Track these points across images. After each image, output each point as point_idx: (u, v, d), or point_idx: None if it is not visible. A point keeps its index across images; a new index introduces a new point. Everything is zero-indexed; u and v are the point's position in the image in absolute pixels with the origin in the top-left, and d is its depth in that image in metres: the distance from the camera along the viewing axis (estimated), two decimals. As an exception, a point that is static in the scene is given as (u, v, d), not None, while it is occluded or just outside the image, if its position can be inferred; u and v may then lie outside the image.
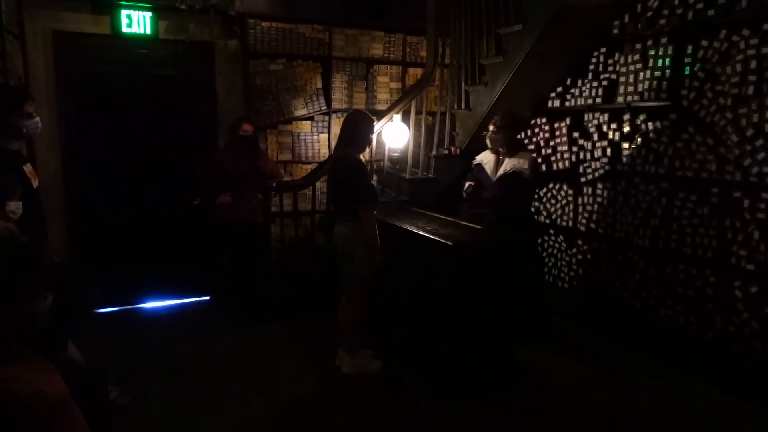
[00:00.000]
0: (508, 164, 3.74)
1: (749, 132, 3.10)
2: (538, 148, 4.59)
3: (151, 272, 4.73)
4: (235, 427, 2.91)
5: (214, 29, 4.61)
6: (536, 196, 4.66)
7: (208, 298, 4.91)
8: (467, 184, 3.95)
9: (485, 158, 3.93)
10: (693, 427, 2.96)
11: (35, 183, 3.20)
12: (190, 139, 4.75)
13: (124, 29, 4.32)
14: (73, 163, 4.41)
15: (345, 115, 5.08)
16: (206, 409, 3.07)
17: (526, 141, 4.70)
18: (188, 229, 4.74)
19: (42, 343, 1.57)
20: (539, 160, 4.57)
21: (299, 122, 5.08)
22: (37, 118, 3.33)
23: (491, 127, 3.79)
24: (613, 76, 3.94)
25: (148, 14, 4.36)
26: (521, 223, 3.66)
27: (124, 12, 4.29)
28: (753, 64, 3.06)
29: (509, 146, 3.76)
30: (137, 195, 4.65)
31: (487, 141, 3.87)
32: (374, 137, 3.64)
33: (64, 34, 4.24)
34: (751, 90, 3.08)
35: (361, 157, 3.52)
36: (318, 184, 4.68)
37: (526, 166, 3.67)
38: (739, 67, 3.13)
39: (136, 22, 4.33)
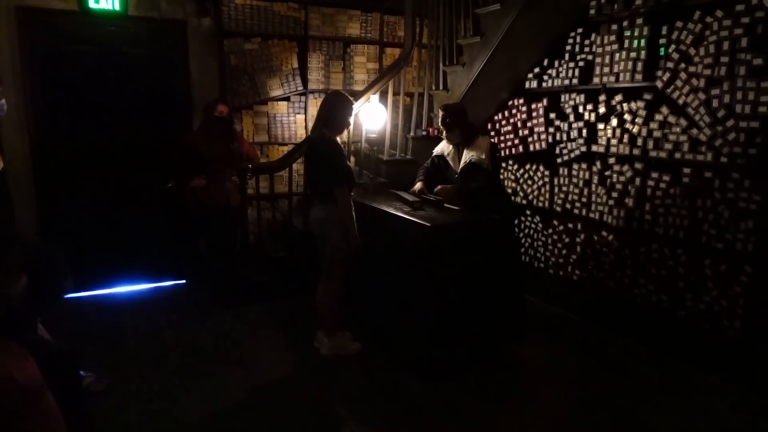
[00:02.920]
0: (467, 155, 3.70)
1: (721, 113, 3.15)
2: (515, 129, 4.60)
3: (126, 256, 4.66)
4: (214, 411, 2.90)
5: (186, 7, 4.50)
6: (513, 176, 4.69)
7: (184, 281, 4.86)
8: (416, 188, 3.87)
9: (446, 149, 3.88)
10: (664, 401, 3.05)
11: (0, 165, 3.11)
12: (163, 120, 4.65)
13: (92, 5, 4.17)
14: (42, 146, 4.29)
15: (322, 95, 5.07)
16: (184, 393, 3.06)
17: (503, 122, 4.71)
18: (163, 212, 4.66)
19: (12, 324, 1.53)
20: (516, 140, 4.59)
21: (275, 103, 5.01)
22: (3, 100, 3.22)
23: (442, 128, 3.77)
24: (590, 57, 3.96)
25: (117, -10, 4.23)
26: (493, 207, 3.65)
27: (91, -13, 4.15)
28: (725, 46, 3.10)
29: (466, 137, 3.74)
30: (109, 178, 4.56)
31: (444, 139, 3.86)
32: (352, 119, 3.60)
33: (29, 10, 4.08)
34: (723, 71, 3.12)
35: (338, 139, 3.49)
36: (295, 166, 4.63)
37: (483, 156, 3.62)
38: (712, 49, 3.17)
39: (104, -2, 4.20)
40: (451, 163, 3.83)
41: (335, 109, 3.35)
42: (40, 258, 1.77)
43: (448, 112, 3.74)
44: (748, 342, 3.11)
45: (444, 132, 3.79)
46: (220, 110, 4.17)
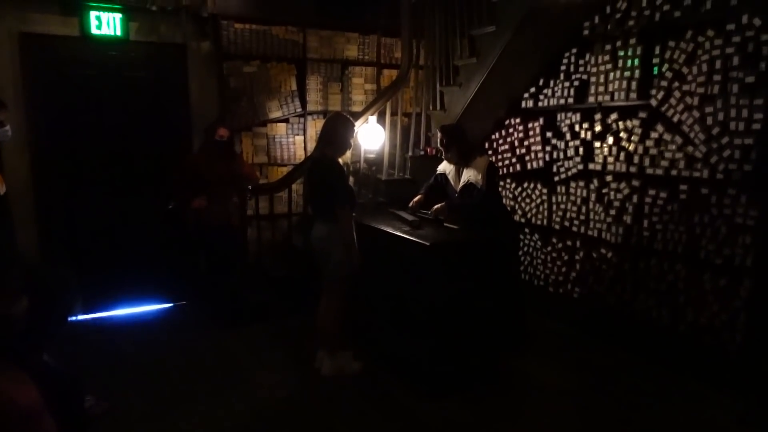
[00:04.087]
0: (465, 175, 3.73)
1: (715, 130, 3.19)
2: (512, 148, 4.64)
3: (126, 277, 4.64)
4: (214, 433, 2.88)
5: (186, 31, 4.55)
6: (511, 195, 4.72)
7: (184, 302, 4.84)
8: (413, 201, 3.94)
9: (447, 168, 3.92)
10: (665, 416, 3.03)
11: (2, 189, 3.13)
12: (163, 142, 4.68)
13: (94, 31, 4.23)
14: (43, 168, 4.30)
15: (320, 117, 5.12)
16: (186, 415, 3.03)
17: (500, 141, 4.76)
18: (163, 233, 4.67)
19: (16, 348, 1.53)
20: (513, 159, 4.63)
21: (274, 124, 5.06)
22: (8, 126, 3.25)
23: (441, 148, 3.81)
24: (584, 77, 4.02)
25: (118, 15, 4.28)
26: (493, 224, 3.68)
27: (93, 13, 4.20)
28: (718, 64, 3.16)
29: (463, 157, 3.77)
30: (110, 199, 4.57)
31: (444, 159, 3.91)
32: (353, 140, 3.63)
33: (32, 36, 4.13)
34: (716, 89, 3.17)
35: (340, 160, 3.51)
36: (294, 186, 4.66)
37: (479, 177, 3.63)
38: (704, 67, 3.23)
39: (106, 24, 4.25)
40: (451, 181, 3.86)
41: (337, 131, 3.38)
42: (43, 281, 1.77)
43: (444, 132, 3.79)
44: (750, 356, 3.10)
45: (443, 152, 3.83)
46: (221, 134, 4.20)
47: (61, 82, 4.31)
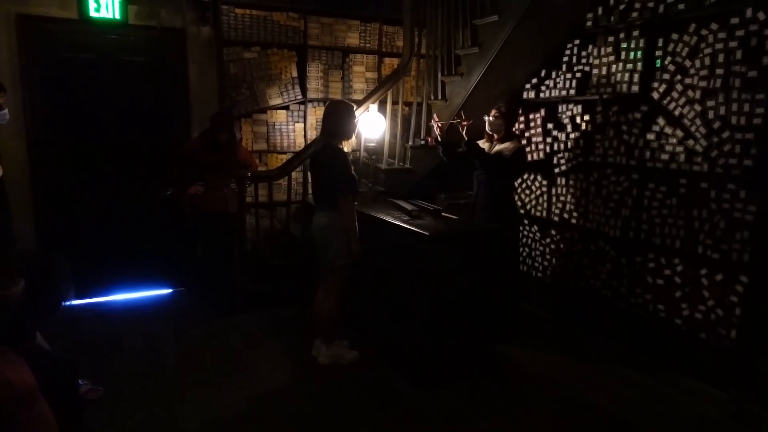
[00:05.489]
0: (495, 149, 3.79)
1: (716, 124, 3.18)
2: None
3: (123, 263, 4.64)
4: (210, 419, 2.89)
5: (186, 15, 4.51)
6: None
7: (181, 289, 4.84)
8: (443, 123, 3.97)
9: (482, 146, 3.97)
10: (659, 410, 3.05)
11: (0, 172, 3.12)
12: (161, 128, 4.65)
13: (92, 13, 4.19)
14: (40, 152, 4.29)
15: (321, 104, 5.09)
16: (181, 402, 3.04)
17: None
18: (160, 220, 4.66)
19: (10, 331, 1.54)
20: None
21: (274, 111, 5.03)
22: (6, 110, 3.24)
23: (494, 112, 3.82)
24: (587, 69, 3.99)
25: (117, -2, 4.25)
26: (504, 205, 3.70)
27: (92, -5, 4.17)
28: (720, 58, 3.13)
29: (505, 133, 3.80)
30: (107, 185, 4.55)
31: (487, 125, 3.89)
32: (356, 127, 3.61)
33: (30, 18, 4.09)
34: (718, 83, 3.15)
35: (345, 147, 3.49)
36: (293, 174, 4.64)
37: (508, 150, 3.72)
38: (707, 61, 3.20)
39: (105, 7, 4.21)
40: None
41: (338, 118, 3.35)
42: (38, 265, 1.77)
43: (510, 104, 3.89)
44: (744, 351, 3.11)
45: (490, 117, 3.83)
46: (222, 139, 4.18)
47: (59, 66, 4.28)
